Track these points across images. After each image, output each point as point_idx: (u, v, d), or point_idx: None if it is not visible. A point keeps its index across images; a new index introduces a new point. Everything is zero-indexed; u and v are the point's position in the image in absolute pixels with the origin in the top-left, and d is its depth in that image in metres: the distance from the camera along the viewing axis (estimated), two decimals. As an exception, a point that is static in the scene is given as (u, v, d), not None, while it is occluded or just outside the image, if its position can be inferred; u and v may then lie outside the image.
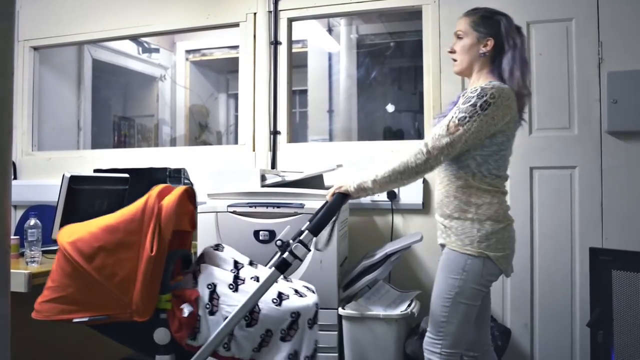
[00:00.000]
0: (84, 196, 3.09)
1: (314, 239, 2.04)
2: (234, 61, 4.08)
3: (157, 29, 4.19)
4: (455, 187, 2.10)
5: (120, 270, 1.93)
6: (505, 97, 2.02)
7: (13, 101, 1.87)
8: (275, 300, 2.02)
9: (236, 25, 3.87)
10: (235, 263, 2.26)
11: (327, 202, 2.21)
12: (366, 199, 3.40)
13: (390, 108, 5.67)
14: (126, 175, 3.39)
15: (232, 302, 1.99)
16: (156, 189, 2.06)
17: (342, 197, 2.12)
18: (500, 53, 2.12)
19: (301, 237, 2.02)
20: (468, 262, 2.04)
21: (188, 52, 6.35)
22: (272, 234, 2.83)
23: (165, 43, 6.17)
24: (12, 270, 2.30)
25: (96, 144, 5.25)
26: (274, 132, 3.73)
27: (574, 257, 3.11)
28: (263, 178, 3.01)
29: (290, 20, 3.79)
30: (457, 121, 1.99)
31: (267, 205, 2.89)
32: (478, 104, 1.98)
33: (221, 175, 3.13)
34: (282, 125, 3.73)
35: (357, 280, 2.87)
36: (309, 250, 2.03)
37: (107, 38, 4.48)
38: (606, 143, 3.08)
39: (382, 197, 3.36)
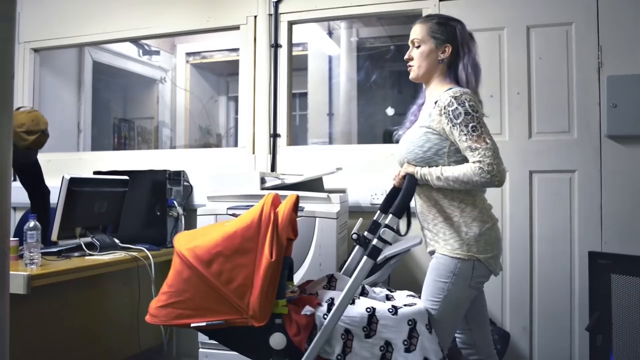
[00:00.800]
0: (84, 198, 3.09)
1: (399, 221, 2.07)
2: (234, 64, 4.09)
3: (157, 32, 4.20)
4: (435, 193, 2.13)
5: (238, 275, 1.96)
6: (473, 97, 2.08)
7: (13, 103, 1.88)
8: (391, 310, 2.02)
9: (237, 28, 3.88)
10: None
11: (394, 186, 2.29)
12: (365, 201, 3.41)
13: (390, 111, 5.68)
14: (126, 177, 3.39)
15: (349, 314, 2.01)
16: (270, 197, 2.08)
17: (412, 178, 2.12)
18: (456, 59, 2.17)
19: (387, 221, 2.03)
20: (458, 266, 2.06)
21: (188, 54, 6.37)
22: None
23: (165, 45, 6.19)
24: (11, 272, 2.31)
25: (96, 146, 5.26)
26: (274, 135, 3.73)
27: (573, 261, 3.12)
28: (262, 180, 3.02)
29: (291, 24, 3.79)
30: (473, 134, 2.00)
31: (266, 208, 2.89)
32: (469, 109, 2.02)
33: (221, 178, 3.13)
34: (282, 128, 3.74)
35: (357, 283, 2.86)
36: (396, 233, 2.06)
37: (108, 40, 4.49)
38: (606, 147, 3.08)
39: (381, 199, 3.34)
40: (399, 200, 2.08)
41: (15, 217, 3.79)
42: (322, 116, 5.71)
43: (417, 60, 2.22)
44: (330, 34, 5.50)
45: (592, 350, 2.68)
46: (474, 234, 2.06)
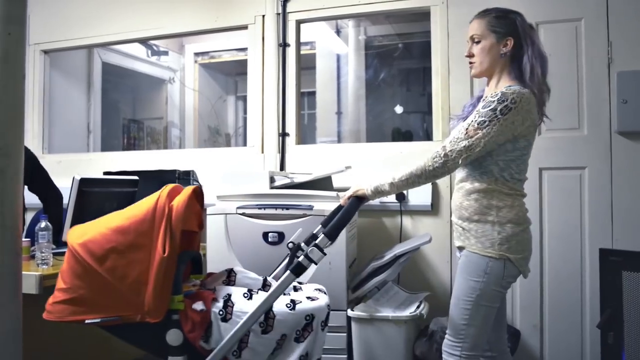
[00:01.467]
0: (94, 198, 3.10)
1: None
2: (243, 63, 4.10)
3: (166, 32, 4.22)
4: (476, 191, 2.09)
5: (132, 271, 1.93)
6: (526, 102, 2.01)
7: (25, 104, 1.90)
8: (289, 305, 2.02)
9: (245, 27, 3.88)
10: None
11: (340, 205, 2.23)
12: (375, 200, 3.40)
13: (398, 109, 5.67)
14: (135, 177, 3.41)
15: (246, 310, 1.99)
16: (166, 189, 2.05)
17: (357, 200, 2.14)
18: (519, 52, 2.10)
19: (317, 241, 2.03)
20: (490, 265, 2.04)
21: (197, 54, 6.39)
22: (280, 236, 2.84)
23: (174, 46, 6.21)
24: (23, 272, 2.33)
25: (106, 146, 5.29)
26: (283, 134, 3.73)
27: (584, 258, 3.10)
28: (272, 180, 3.02)
29: (299, 23, 3.79)
30: (476, 125, 1.99)
31: (275, 207, 2.89)
32: (498, 109, 1.98)
33: (230, 177, 3.14)
34: (291, 127, 3.74)
35: (366, 281, 2.87)
36: (325, 255, 2.04)
37: (117, 41, 4.51)
38: (616, 143, 3.07)
39: (391, 198, 3.36)
40: (334, 222, 2.06)
41: (27, 218, 3.82)
42: (330, 115, 5.71)
43: (478, 57, 2.15)
44: (338, 32, 5.50)
45: (603, 347, 2.67)
46: (506, 234, 2.03)
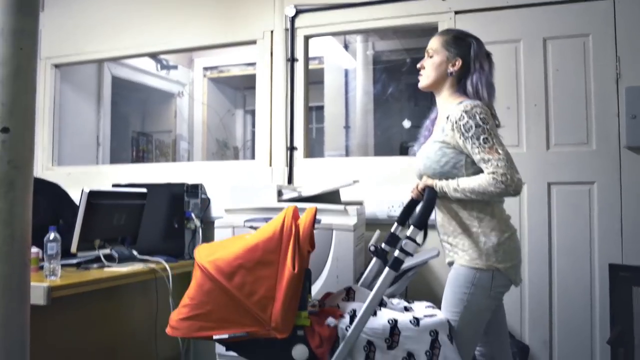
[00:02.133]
0: (103, 211, 3.12)
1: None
2: (251, 78, 4.12)
3: (175, 47, 4.26)
4: (455, 205, 2.13)
5: (260, 288, 1.97)
6: (485, 109, 2.09)
7: (35, 118, 1.91)
8: (412, 321, 2.03)
9: (253, 42, 3.91)
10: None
11: (412, 199, 2.32)
12: (382, 214, 3.41)
13: (406, 124, 5.68)
14: (144, 190, 3.42)
15: (371, 325, 2.02)
16: (290, 210, 2.09)
17: (433, 190, 2.13)
18: (466, 74, 2.19)
19: (409, 233, 2.05)
20: (477, 276, 2.06)
21: (206, 69, 6.43)
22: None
23: (183, 60, 6.26)
24: (31, 283, 2.34)
25: (115, 159, 5.32)
26: (291, 148, 3.74)
27: (594, 274, 3.08)
28: (280, 193, 3.03)
29: (307, 38, 3.82)
30: (485, 146, 2.02)
31: (283, 220, 2.90)
32: (479, 122, 2.03)
33: (238, 191, 3.14)
34: (299, 140, 3.75)
35: (373, 295, 2.85)
36: (419, 245, 2.08)
37: (127, 55, 4.56)
38: (625, 158, 3.06)
39: (399, 211, 3.34)
40: (420, 211, 2.10)
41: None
42: (338, 129, 5.72)
43: (427, 70, 2.26)
44: (346, 47, 5.52)
45: (613, 364, 2.65)
46: (492, 243, 2.06)
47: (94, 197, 3.04)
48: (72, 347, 2.77)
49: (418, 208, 2.17)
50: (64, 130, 4.68)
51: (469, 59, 2.18)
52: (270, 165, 3.79)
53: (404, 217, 2.39)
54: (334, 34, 4.11)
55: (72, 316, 2.77)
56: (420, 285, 3.31)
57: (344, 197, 3.31)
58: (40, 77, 4.50)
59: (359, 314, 2.02)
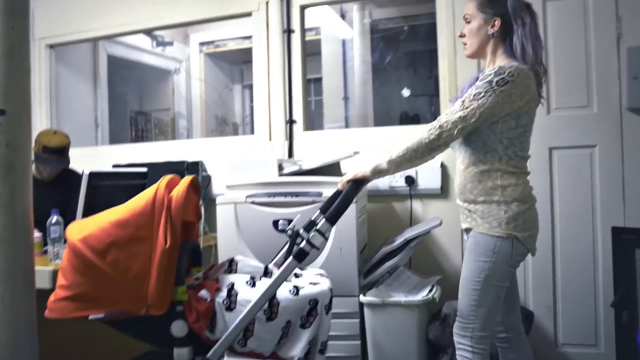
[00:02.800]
0: (104, 192, 3.11)
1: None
2: (248, 51, 4.08)
3: (170, 22, 4.20)
4: (480, 171, 2.09)
5: (134, 264, 1.93)
6: (524, 76, 2.01)
7: (31, 99, 1.90)
8: (292, 291, 2.02)
9: (249, 14, 3.86)
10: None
11: (338, 190, 2.21)
12: (384, 185, 3.39)
13: (406, 93, 5.64)
14: (144, 169, 3.41)
15: (249, 298, 1.99)
16: (164, 180, 2.05)
17: (356, 185, 2.12)
18: (509, 32, 2.10)
19: (318, 227, 2.02)
20: (497, 244, 2.04)
21: (202, 44, 6.37)
22: (290, 223, 2.82)
23: (178, 36, 6.19)
24: (36, 268, 2.36)
25: (114, 139, 5.29)
26: (290, 121, 3.72)
27: (596, 237, 3.07)
28: (280, 167, 3.01)
29: (303, 8, 3.76)
30: (472, 97, 2.00)
31: (285, 194, 2.89)
32: (494, 81, 1.98)
33: (239, 166, 3.13)
34: (298, 113, 3.72)
35: (378, 267, 2.86)
36: (326, 239, 2.03)
37: (121, 33, 4.49)
38: (627, 120, 3.03)
39: (400, 182, 3.35)
40: (335, 206, 2.05)
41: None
42: (337, 100, 5.69)
43: (468, 37, 2.18)
44: (342, 16, 5.45)
45: (617, 326, 2.66)
46: (512, 213, 2.03)
47: (95, 179, 3.02)
48: (76, 330, 2.78)
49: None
50: (61, 112, 4.65)
51: (508, 16, 2.09)
52: (270, 139, 3.77)
53: (327, 206, 2.26)
54: (330, 3, 4.06)
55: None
56: (423, 255, 3.32)
57: (344, 169, 3.30)
58: (35, 58, 4.44)
59: (252, 302, 1.96)
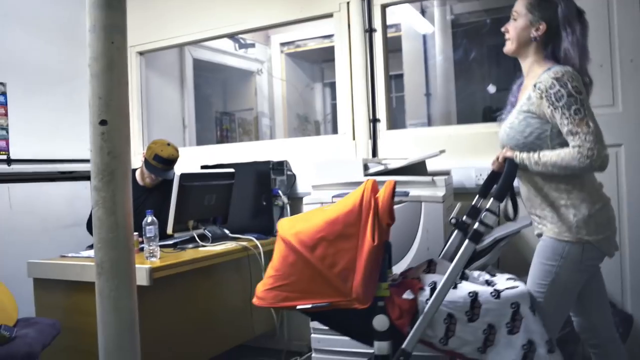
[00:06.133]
0: (195, 192, 3.23)
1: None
2: (328, 50, 4.11)
3: (253, 26, 4.28)
4: (539, 178, 2.06)
5: (341, 259, 2.00)
6: (577, 77, 1.97)
7: (129, 108, 1.99)
8: (493, 294, 2.03)
9: (330, 15, 3.88)
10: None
11: (493, 171, 2.27)
12: (470, 182, 3.33)
13: (492, 89, 5.50)
14: (232, 170, 3.51)
15: (451, 298, 2.03)
16: (369, 183, 2.11)
17: (513, 163, 2.09)
18: (554, 39, 2.06)
19: (489, 205, 2.03)
20: (566, 249, 2.00)
21: (282, 44, 6.48)
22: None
23: (260, 37, 6.32)
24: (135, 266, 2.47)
25: (201, 139, 5.47)
26: (374, 120, 3.71)
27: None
28: (365, 167, 3.02)
29: (384, 7, 3.74)
30: (577, 116, 1.93)
31: (371, 194, 2.89)
32: (572, 91, 1.93)
33: (324, 166, 3.15)
34: (381, 112, 3.71)
35: (466, 266, 2.81)
36: (498, 216, 2.06)
37: (206, 38, 4.61)
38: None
39: (487, 180, 3.27)
40: (500, 183, 2.06)
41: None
42: (419, 97, 5.63)
43: (511, 34, 2.15)
44: (423, 12, 5.39)
45: None
46: (582, 216, 1.98)
47: (186, 180, 3.15)
48: (174, 324, 2.90)
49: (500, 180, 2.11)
50: (151, 115, 4.85)
51: (556, 22, 2.05)
52: (354, 138, 3.78)
53: (485, 189, 2.34)
54: (411, 1, 4.01)
55: (172, 294, 2.91)
56: (513, 255, 3.23)
57: (430, 167, 3.26)
58: (127, 65, 4.65)
59: (438, 287, 2.01)
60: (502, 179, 2.06)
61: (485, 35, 5.56)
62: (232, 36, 5.50)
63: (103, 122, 1.88)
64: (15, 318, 2.71)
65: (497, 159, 2.19)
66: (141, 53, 4.71)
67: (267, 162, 3.68)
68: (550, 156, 1.98)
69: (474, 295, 2.02)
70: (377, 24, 3.72)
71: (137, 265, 2.58)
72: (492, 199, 2.03)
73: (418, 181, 2.86)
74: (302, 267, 2.02)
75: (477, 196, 2.35)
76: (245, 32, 4.75)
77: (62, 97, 4.21)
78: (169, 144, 3.57)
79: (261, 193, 3.68)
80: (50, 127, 4.10)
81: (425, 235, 2.77)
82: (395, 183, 2.19)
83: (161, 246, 3.09)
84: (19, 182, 3.89)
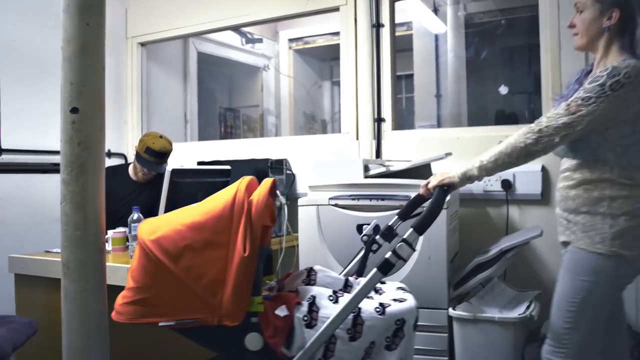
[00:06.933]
0: (186, 189, 3.07)
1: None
2: (337, 48, 3.94)
3: (257, 18, 4.13)
4: (586, 181, 1.85)
5: (209, 271, 1.80)
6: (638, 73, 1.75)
7: (105, 96, 1.83)
8: (378, 309, 1.85)
9: (336, 9, 3.71)
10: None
11: (419, 195, 2.11)
12: (478, 189, 3.15)
13: (503, 90, 5.31)
14: (228, 167, 3.35)
15: (332, 315, 1.83)
16: (243, 182, 1.91)
17: (443, 191, 1.95)
18: (628, 24, 1.84)
19: (405, 236, 1.84)
20: (599, 263, 1.80)
21: (291, 40, 6.30)
22: (375, 229, 2.64)
23: (268, 33, 6.16)
24: (116, 264, 2.34)
25: (203, 135, 5.32)
26: (378, 119, 3.54)
27: None
28: (366, 168, 2.84)
29: (393, 1, 3.58)
30: (580, 101, 1.76)
31: (370, 197, 2.71)
32: (608, 84, 1.73)
33: (322, 166, 2.98)
34: (387, 111, 3.54)
35: (470, 278, 2.64)
36: (414, 250, 1.87)
37: (210, 30, 4.48)
38: None
39: (496, 186, 3.09)
40: (424, 215, 1.86)
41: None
42: (429, 98, 5.45)
43: (579, 28, 1.93)
44: (435, 11, 5.20)
45: None
46: (619, 228, 1.78)
47: (177, 175, 2.99)
48: (157, 328, 2.74)
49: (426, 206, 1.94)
50: (152, 108, 4.72)
51: (630, 7, 1.84)
52: (357, 138, 3.61)
53: (406, 212, 2.17)
54: (421, -4, 3.84)
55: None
56: (521, 268, 3.05)
57: (435, 170, 3.08)
58: (127, 56, 4.54)
59: (331, 317, 1.79)
60: (428, 210, 1.88)
61: (499, 36, 5.37)
62: (236, 28, 5.33)
63: (74, 110, 1.73)
64: (-13, 315, 2.58)
65: (426, 185, 2.03)
66: (142, 44, 4.57)
67: (266, 160, 3.52)
68: (491, 152, 1.86)
69: (357, 311, 1.83)
70: (385, 19, 3.56)
71: (117, 264, 2.47)
72: (411, 229, 1.84)
73: (419, 185, 2.67)
74: (164, 279, 1.79)
75: (396, 216, 2.17)
76: (250, 24, 4.60)
77: (55, 87, 4.06)
78: (161, 137, 3.43)
79: (257, 192, 3.52)
80: (42, 117, 3.96)
81: (426, 243, 2.59)
82: (275, 181, 1.98)
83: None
84: (9, 173, 3.75)
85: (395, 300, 1.95)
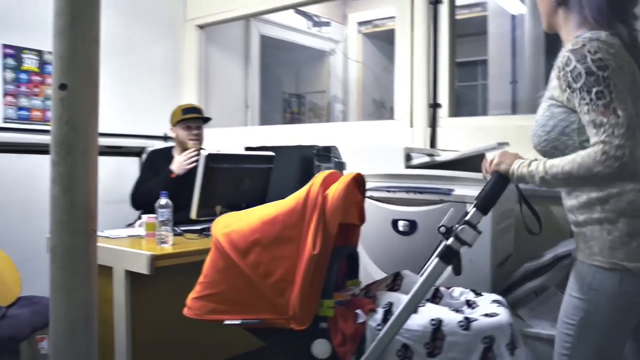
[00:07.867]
0: (223, 175, 2.94)
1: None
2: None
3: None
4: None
5: (277, 268, 1.69)
6: (605, 44, 1.46)
7: (99, 72, 1.70)
8: (462, 324, 1.62)
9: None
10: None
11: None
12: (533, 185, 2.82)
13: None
14: (271, 153, 3.19)
15: (409, 326, 1.64)
16: (320, 176, 1.77)
17: (503, 180, 1.64)
18: None
19: (467, 217, 1.60)
20: (597, 278, 1.49)
21: (360, 23, 6.06)
22: (412, 225, 2.37)
23: (336, 16, 5.94)
24: (140, 251, 2.33)
25: (266, 121, 5.18)
26: (434, 105, 3.25)
27: None
28: (408, 157, 2.58)
29: (454, -25, 3.27)
30: (599, 103, 1.42)
31: (407, 189, 2.42)
32: (591, 66, 1.43)
33: (361, 154, 2.75)
34: (444, 96, 3.24)
35: (519, 285, 2.34)
36: (479, 233, 1.62)
37: (271, 9, 4.28)
38: None
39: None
40: (484, 193, 1.61)
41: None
42: (504, 84, 5.08)
43: (539, 8, 1.71)
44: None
45: None
46: (619, 233, 1.45)
47: (213, 161, 2.87)
48: (178, 320, 2.61)
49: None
50: (211, 92, 4.63)
51: None
52: (412, 125, 3.34)
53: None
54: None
55: (176, 286, 2.62)
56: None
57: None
58: (185, 39, 4.47)
59: (397, 311, 1.60)
60: (487, 190, 1.63)
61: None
62: (296, 7, 5.11)
63: (63, 87, 1.59)
64: (16, 294, 2.55)
65: (490, 166, 1.69)
66: (201, 27, 4.48)
67: (312, 147, 3.33)
68: (562, 165, 1.47)
69: (437, 324, 1.62)
70: (445, -6, 3.25)
71: (138, 251, 2.36)
72: (474, 208, 1.60)
73: (467, 178, 2.38)
74: (231, 275, 1.71)
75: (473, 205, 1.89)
76: (310, 3, 4.40)
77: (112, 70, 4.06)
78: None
79: (303, 181, 3.33)
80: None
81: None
82: (361, 175, 1.82)
83: (186, 231, 2.89)
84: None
85: (486, 315, 1.71)
